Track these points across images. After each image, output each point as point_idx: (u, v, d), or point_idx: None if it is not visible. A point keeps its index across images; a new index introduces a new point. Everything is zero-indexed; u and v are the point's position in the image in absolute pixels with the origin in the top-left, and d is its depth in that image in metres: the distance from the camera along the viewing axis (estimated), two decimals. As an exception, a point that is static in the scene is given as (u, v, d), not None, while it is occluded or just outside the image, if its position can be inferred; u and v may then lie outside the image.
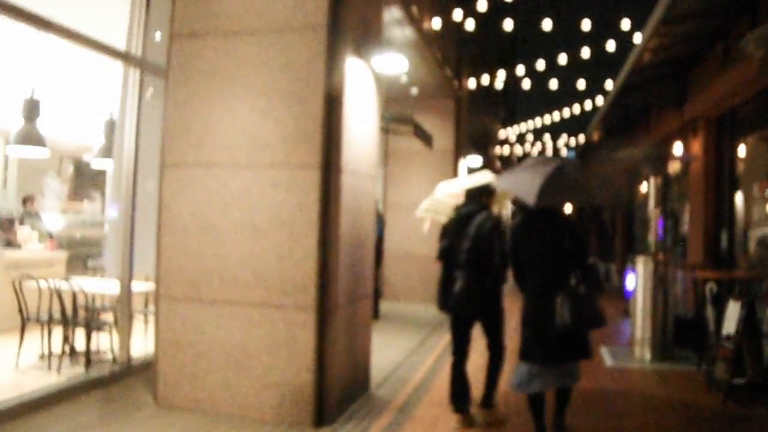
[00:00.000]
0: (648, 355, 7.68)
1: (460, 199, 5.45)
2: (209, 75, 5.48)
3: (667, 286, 7.63)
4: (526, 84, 13.40)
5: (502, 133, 21.85)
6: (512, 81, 13.26)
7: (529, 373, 4.55)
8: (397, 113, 10.66)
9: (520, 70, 12.40)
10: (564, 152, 25.57)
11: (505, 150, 23.96)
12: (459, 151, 13.34)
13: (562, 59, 11.27)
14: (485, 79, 13.60)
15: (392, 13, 8.09)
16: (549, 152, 24.44)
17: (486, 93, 16.52)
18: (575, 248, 4.57)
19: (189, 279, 5.45)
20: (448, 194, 5.78)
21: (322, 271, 5.11)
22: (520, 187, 4.68)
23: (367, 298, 6.16)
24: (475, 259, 4.92)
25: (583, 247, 4.74)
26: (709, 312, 6.69)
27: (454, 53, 13.24)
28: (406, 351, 8.15)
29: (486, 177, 5.42)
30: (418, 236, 13.00)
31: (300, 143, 5.17)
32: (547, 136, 21.45)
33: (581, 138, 20.51)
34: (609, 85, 13.18)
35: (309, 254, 5.09)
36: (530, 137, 21.61)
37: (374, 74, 6.13)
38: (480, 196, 5.24)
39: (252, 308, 5.26)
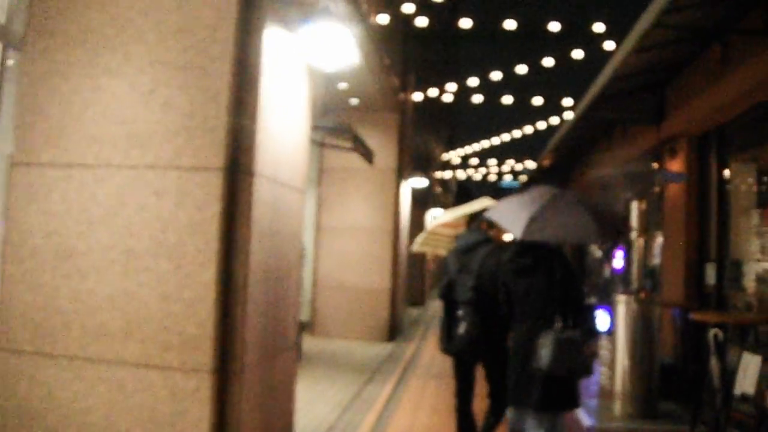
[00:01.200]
0: (630, 411, 6.41)
1: (460, 229, 5.11)
2: (77, 40, 3.94)
3: (653, 330, 6.41)
4: (477, 98, 12.20)
5: (444, 156, 20.65)
6: (462, 94, 11.99)
7: (519, 420, 4.19)
8: (335, 123, 9.26)
9: (473, 81, 11.18)
10: (508, 179, 24.71)
11: (447, 174, 22.82)
12: (402, 171, 12.03)
13: (521, 69, 10.13)
14: (433, 93, 12.33)
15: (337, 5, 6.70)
16: (493, 177, 23.48)
17: (431, 110, 15.34)
18: (568, 287, 4.11)
19: (39, 325, 3.83)
20: (443, 224, 5.50)
21: (223, 318, 3.61)
22: (507, 217, 4.28)
23: (290, 349, 4.65)
24: (480, 298, 4.55)
25: (578, 287, 4.31)
26: (714, 364, 5.47)
27: (401, 61, 12.00)
28: (340, 406, 6.64)
29: (486, 203, 5.00)
30: (353, 265, 11.62)
31: (196, 136, 3.67)
32: (492, 161, 20.41)
33: (529, 164, 19.53)
34: (568, 102, 12.15)
35: (204, 294, 3.57)
36: (475, 161, 20.49)
37: (307, 64, 4.74)
38: (481, 225, 4.85)
39: (124, 369, 3.68)
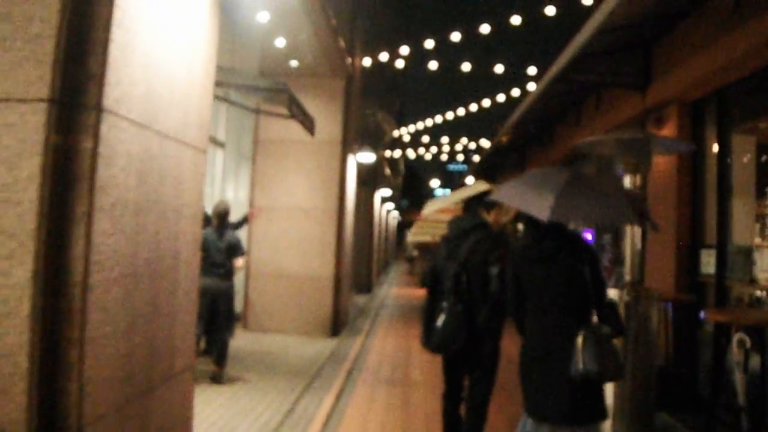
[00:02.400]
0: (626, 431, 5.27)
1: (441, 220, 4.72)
2: None
3: (651, 332, 5.27)
4: (433, 65, 10.89)
5: (395, 133, 19.25)
6: (416, 59, 10.67)
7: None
8: (270, 84, 7.84)
9: (428, 44, 9.84)
10: (460, 159, 23.56)
11: (396, 152, 21.51)
12: (348, 144, 10.64)
13: (484, 29, 8.86)
14: (383, 57, 10.96)
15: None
16: (444, 157, 22.26)
17: (381, 77, 13.98)
18: (594, 277, 3.61)
19: None
20: (439, 210, 5.35)
21: (48, 347, 2.23)
22: (525, 198, 3.66)
23: (182, 374, 3.27)
24: (463, 288, 4.18)
25: (602, 278, 3.72)
26: (739, 377, 4.35)
27: (349, 19, 10.59)
28: (269, 427, 5.32)
29: (483, 186, 4.66)
30: (292, 249, 10.26)
31: (13, 48, 2.26)
32: (445, 139, 19.16)
33: (484, 142, 18.39)
34: (532, 71, 10.96)
35: (12, 307, 2.18)
36: (426, 139, 19.20)
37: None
38: (477, 209, 4.43)
39: None
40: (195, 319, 3.37)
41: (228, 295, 6.80)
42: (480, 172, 19.79)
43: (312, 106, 9.66)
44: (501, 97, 12.90)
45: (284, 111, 7.87)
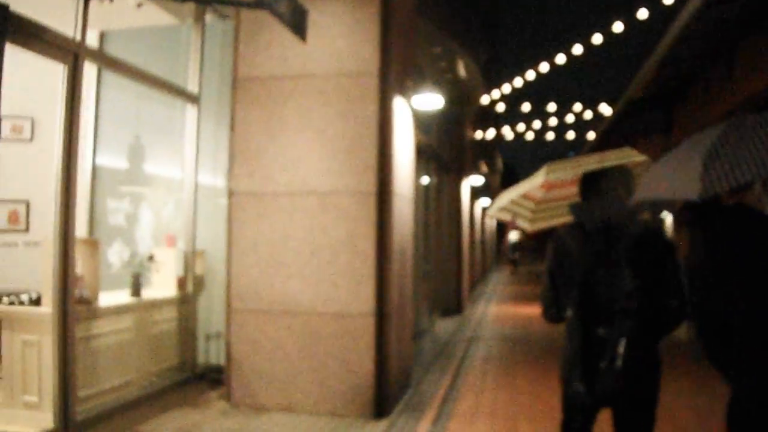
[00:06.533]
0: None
1: (568, 197, 3.69)
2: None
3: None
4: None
5: (484, 98, 14.30)
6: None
7: None
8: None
9: None
10: (570, 136, 18.45)
11: (489, 132, 16.64)
12: (391, 79, 6.05)
13: None
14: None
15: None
16: (551, 135, 17.21)
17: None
18: None
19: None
20: (532, 190, 3.76)
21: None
22: (666, 179, 2.71)
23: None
24: (646, 306, 2.93)
25: None
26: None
27: None
28: None
29: (629, 154, 3.24)
30: (298, 268, 5.93)
31: None
32: (551, 107, 14.21)
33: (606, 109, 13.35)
34: None
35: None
36: (527, 107, 14.23)
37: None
38: (617, 190, 3.08)
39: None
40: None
41: None
42: (601, 147, 14.73)
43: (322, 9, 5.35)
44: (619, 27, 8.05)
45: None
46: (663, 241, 3.04)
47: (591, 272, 3.01)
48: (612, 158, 3.19)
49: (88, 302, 5.52)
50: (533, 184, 3.60)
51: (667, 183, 2.72)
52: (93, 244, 5.82)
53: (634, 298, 2.93)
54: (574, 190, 3.57)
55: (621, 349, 2.90)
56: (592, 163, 3.20)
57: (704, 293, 2.83)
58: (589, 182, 3.15)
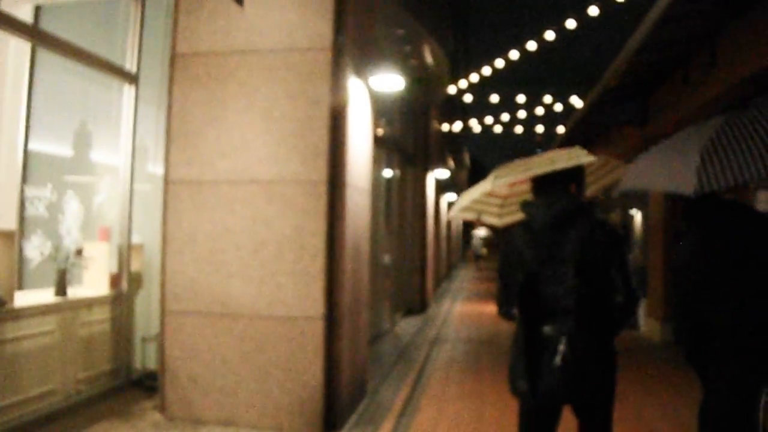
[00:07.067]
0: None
1: (522, 194, 3.58)
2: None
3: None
4: None
5: (450, 88, 13.68)
6: None
7: None
8: None
9: None
10: (539, 129, 18.04)
11: (455, 124, 16.14)
12: (346, 56, 5.40)
13: None
14: None
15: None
16: (520, 129, 16.76)
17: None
18: None
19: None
20: (495, 188, 3.64)
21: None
22: (654, 171, 2.86)
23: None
24: (587, 303, 2.90)
25: None
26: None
27: None
28: None
29: (584, 155, 3.17)
30: (240, 266, 5.31)
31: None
32: (520, 98, 13.73)
33: (576, 101, 12.95)
34: None
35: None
36: (495, 98, 13.75)
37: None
38: (569, 187, 3.10)
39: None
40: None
41: None
42: (572, 140, 14.33)
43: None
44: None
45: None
46: (612, 236, 3.00)
47: (537, 270, 3.00)
48: (562, 161, 3.14)
49: (2, 303, 4.88)
50: (482, 191, 3.61)
51: (660, 175, 2.80)
52: (7, 236, 5.15)
53: (572, 296, 2.90)
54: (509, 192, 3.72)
55: (562, 346, 2.87)
56: (541, 164, 3.16)
57: (692, 290, 2.86)
58: (540, 180, 3.14)
